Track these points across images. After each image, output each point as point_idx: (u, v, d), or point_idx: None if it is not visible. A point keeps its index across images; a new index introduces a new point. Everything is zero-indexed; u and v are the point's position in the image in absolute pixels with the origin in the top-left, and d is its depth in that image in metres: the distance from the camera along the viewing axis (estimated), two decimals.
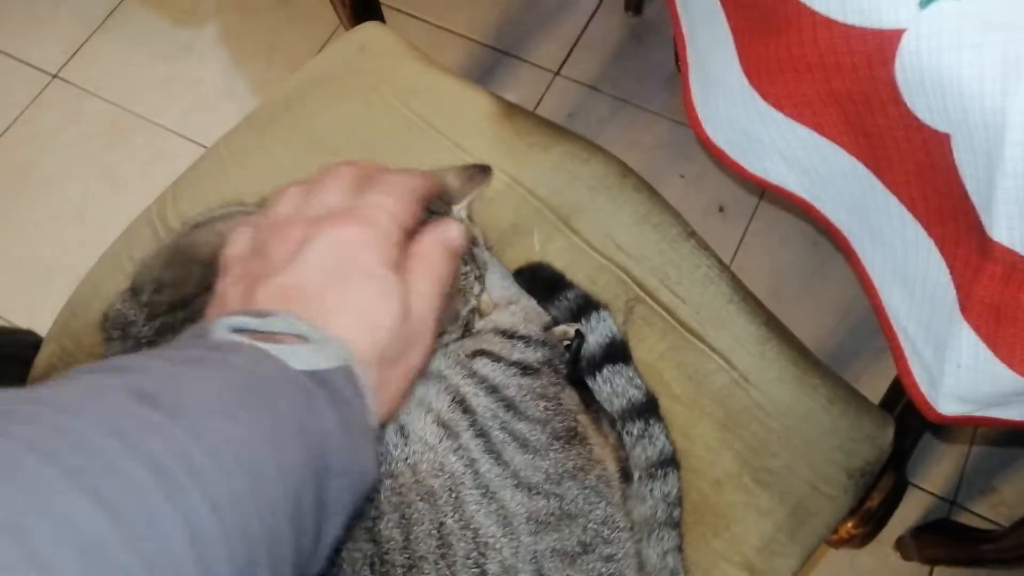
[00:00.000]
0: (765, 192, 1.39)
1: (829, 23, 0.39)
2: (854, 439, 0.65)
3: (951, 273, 0.41)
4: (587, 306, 0.66)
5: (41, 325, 0.74)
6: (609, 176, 0.73)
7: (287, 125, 0.77)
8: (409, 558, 0.48)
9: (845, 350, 1.27)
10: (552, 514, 0.52)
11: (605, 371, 0.64)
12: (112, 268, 0.73)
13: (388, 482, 0.50)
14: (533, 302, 0.65)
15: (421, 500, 0.50)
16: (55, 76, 1.55)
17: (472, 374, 0.56)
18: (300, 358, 0.34)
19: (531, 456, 0.54)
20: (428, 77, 0.79)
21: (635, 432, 0.62)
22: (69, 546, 0.24)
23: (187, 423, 0.29)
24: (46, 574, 0.23)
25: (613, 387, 0.63)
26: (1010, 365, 0.39)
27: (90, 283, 0.74)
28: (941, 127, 0.38)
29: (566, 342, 0.63)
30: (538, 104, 1.49)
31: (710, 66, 0.50)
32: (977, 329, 0.40)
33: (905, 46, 0.37)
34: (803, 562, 0.63)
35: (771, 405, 0.65)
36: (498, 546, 0.50)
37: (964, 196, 0.38)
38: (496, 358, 0.57)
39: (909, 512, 1.21)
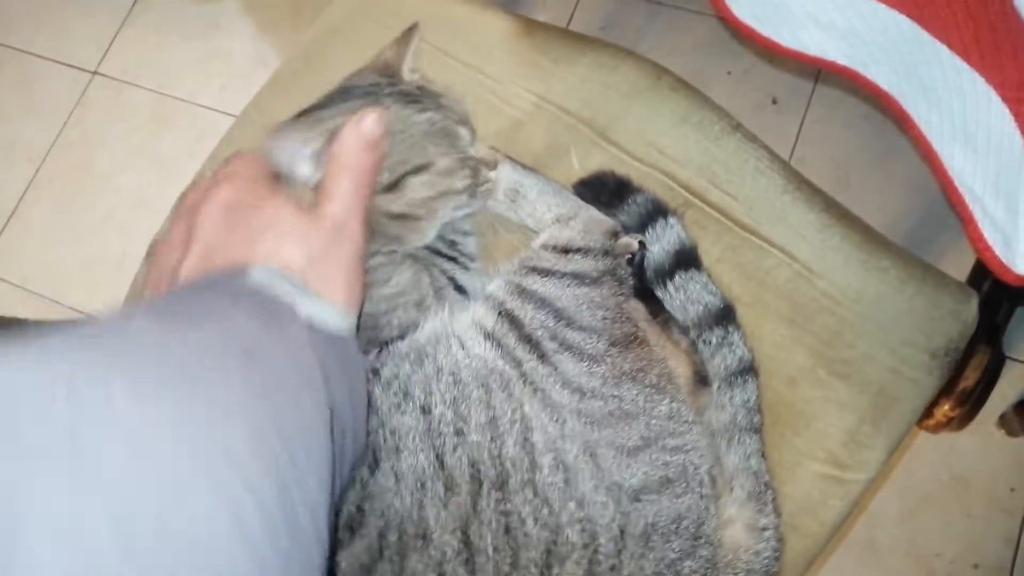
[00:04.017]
0: (819, 77, 1.31)
1: None
2: (933, 317, 0.62)
3: (1015, 119, 0.38)
4: (656, 212, 0.63)
5: None
6: (641, 80, 0.70)
7: (309, 79, 0.76)
8: (458, 431, 0.51)
9: (924, 229, 1.20)
10: (611, 414, 0.53)
11: (677, 278, 0.62)
12: None
13: (447, 379, 0.52)
14: (593, 211, 0.63)
15: (476, 389, 0.52)
16: (95, 72, 1.58)
17: (522, 291, 0.56)
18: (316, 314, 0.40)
19: (587, 364, 0.54)
20: (442, 6, 0.76)
21: (713, 340, 0.60)
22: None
23: (275, 387, 0.34)
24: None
25: (687, 294, 0.61)
26: None
27: (157, 238, 0.76)
28: None
29: (627, 255, 0.61)
30: (570, 20, 1.44)
31: None
32: None
33: None
34: (891, 451, 0.61)
35: (840, 294, 0.62)
36: (540, 424, 0.51)
37: (1022, 27, 0.34)
38: (547, 273, 0.57)
39: (1009, 388, 1.16)
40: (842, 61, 0.47)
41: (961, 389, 1.07)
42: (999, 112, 0.38)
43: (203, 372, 0.31)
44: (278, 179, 0.49)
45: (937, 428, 1.11)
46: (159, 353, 0.31)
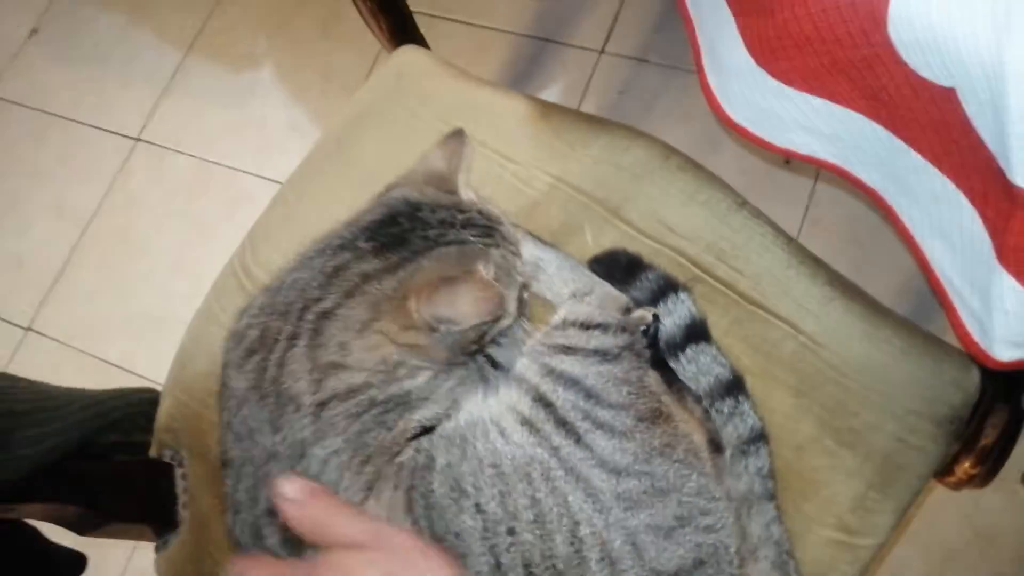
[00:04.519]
0: None
1: None
2: (936, 386, 0.64)
3: (984, 222, 0.41)
4: (668, 287, 0.67)
5: (161, 373, 0.82)
6: (652, 160, 0.74)
7: (341, 162, 0.81)
8: (510, 530, 0.52)
9: None
10: (644, 492, 0.54)
11: (688, 351, 0.65)
12: (207, 321, 0.80)
13: (489, 471, 0.54)
14: (607, 287, 0.66)
15: (520, 482, 0.54)
16: (138, 139, 1.66)
17: (550, 372, 0.59)
18: None
19: (618, 440, 0.56)
20: (465, 91, 0.82)
21: (725, 410, 0.63)
22: None
23: None
24: None
25: (699, 366, 0.64)
26: None
27: (191, 337, 0.81)
28: (944, 82, 0.37)
29: (642, 327, 0.64)
30: (587, 86, 1.49)
31: (719, 49, 0.50)
32: (1016, 275, 0.39)
33: (895, 9, 0.37)
34: (899, 516, 0.63)
35: (844, 364, 0.65)
36: (586, 517, 0.53)
37: (982, 146, 0.38)
38: (573, 351, 0.60)
39: None
40: (829, 160, 0.51)
41: (981, 447, 1.08)
42: (970, 214, 0.42)
43: None
44: None
45: (959, 485, 1.11)
46: None
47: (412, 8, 0.98)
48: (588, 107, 1.47)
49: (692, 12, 0.56)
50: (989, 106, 0.36)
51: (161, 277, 1.55)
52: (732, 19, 0.47)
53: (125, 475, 0.75)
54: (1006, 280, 0.40)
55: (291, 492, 0.46)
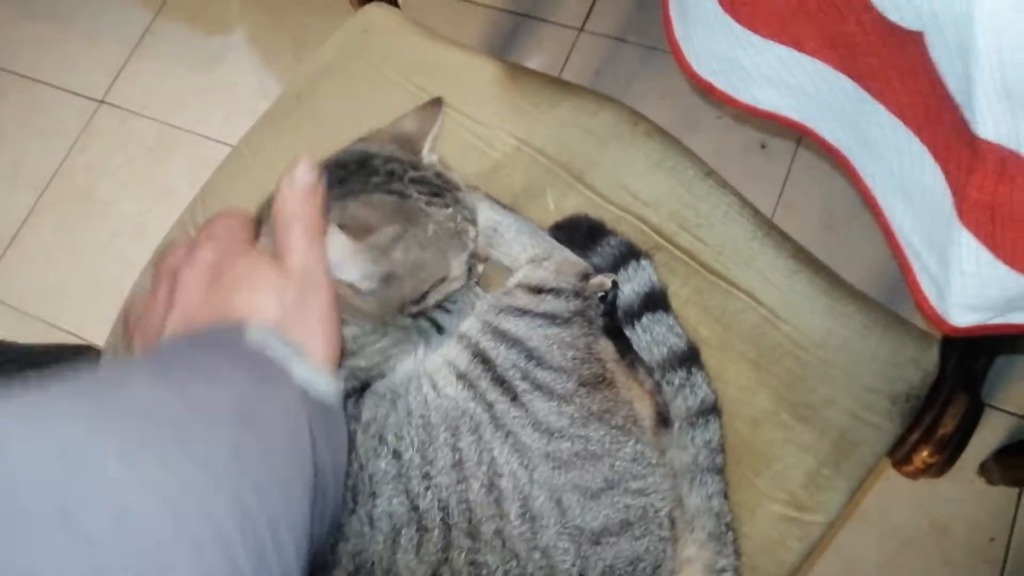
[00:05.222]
0: None
1: None
2: (895, 364, 0.63)
3: (946, 177, 0.39)
4: (629, 254, 0.66)
5: None
6: (619, 125, 0.72)
7: (299, 117, 0.78)
8: (426, 475, 0.52)
9: None
10: (576, 455, 0.54)
11: (644, 320, 0.63)
12: None
13: (417, 421, 0.53)
14: (567, 253, 0.65)
15: (444, 432, 0.53)
16: (102, 101, 1.61)
17: (494, 330, 0.58)
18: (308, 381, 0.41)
19: (556, 403, 0.55)
20: (431, 51, 0.79)
21: (676, 382, 0.62)
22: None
23: (263, 451, 0.35)
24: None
25: (653, 335, 0.63)
26: (1012, 266, 0.37)
27: (135, 292, 0.78)
28: (913, 25, 0.36)
29: (600, 293, 0.63)
30: (564, 64, 1.47)
31: None
32: (975, 232, 0.38)
33: None
34: (852, 493, 0.62)
35: (804, 338, 0.64)
36: (510, 470, 0.52)
37: (946, 95, 0.36)
38: (521, 312, 0.59)
39: (990, 435, 1.16)
40: (793, 117, 0.49)
41: (940, 436, 1.08)
42: (932, 170, 0.40)
43: (195, 434, 0.32)
44: (258, 235, 0.50)
45: (916, 474, 1.11)
46: (155, 412, 0.33)
47: None
48: None
49: None
50: (956, 50, 0.34)
51: (121, 243, 1.50)
52: None
53: None
54: (965, 238, 0.39)
55: (302, 177, 0.45)
